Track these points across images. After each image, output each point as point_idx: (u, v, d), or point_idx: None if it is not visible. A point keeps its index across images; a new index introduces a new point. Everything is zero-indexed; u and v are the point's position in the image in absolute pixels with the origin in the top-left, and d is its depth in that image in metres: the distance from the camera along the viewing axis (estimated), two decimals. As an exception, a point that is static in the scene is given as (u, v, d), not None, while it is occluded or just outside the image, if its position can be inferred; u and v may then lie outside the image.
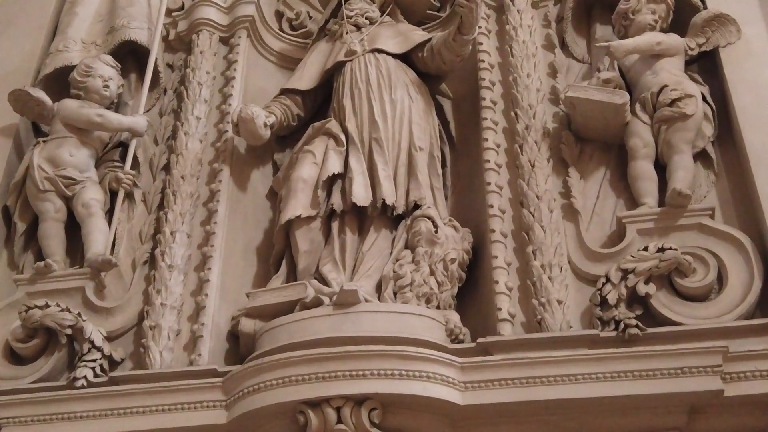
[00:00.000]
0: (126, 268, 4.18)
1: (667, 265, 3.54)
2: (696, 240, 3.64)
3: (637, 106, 3.98)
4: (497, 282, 3.70)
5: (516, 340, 3.53)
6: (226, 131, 4.41)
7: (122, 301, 4.07)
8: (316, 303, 3.68)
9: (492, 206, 3.91)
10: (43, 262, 4.12)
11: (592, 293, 3.59)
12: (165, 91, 4.77)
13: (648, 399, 3.29)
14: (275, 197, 4.30)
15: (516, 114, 4.14)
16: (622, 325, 3.47)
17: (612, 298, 3.52)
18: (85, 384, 3.72)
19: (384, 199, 3.96)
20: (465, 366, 3.43)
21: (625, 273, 3.54)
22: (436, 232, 3.85)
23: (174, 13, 4.98)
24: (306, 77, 4.57)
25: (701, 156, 3.90)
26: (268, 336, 3.66)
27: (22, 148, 4.58)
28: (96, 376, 3.77)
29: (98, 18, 4.97)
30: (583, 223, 3.84)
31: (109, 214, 4.29)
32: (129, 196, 4.35)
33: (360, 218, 4.05)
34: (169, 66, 4.87)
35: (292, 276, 3.99)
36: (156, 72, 4.68)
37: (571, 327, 3.55)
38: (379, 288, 3.80)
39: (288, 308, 3.74)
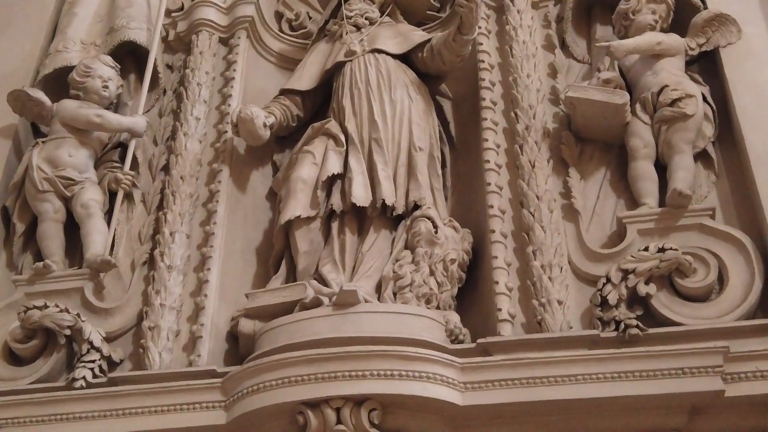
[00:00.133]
0: (125, 268, 4.17)
1: (667, 266, 3.53)
2: (696, 240, 3.64)
3: (638, 107, 3.97)
4: (497, 282, 3.69)
5: (516, 341, 3.52)
6: (226, 132, 4.41)
7: (121, 302, 4.06)
8: (316, 303, 3.67)
9: (492, 206, 3.90)
10: (42, 263, 4.11)
11: (593, 293, 3.59)
12: (164, 91, 4.77)
13: (648, 399, 3.28)
14: (275, 198, 4.30)
15: (516, 114, 4.14)
16: (622, 326, 3.46)
17: (612, 298, 3.51)
18: (84, 385, 3.72)
19: (384, 200, 3.95)
20: (465, 366, 3.42)
21: (626, 273, 3.54)
22: (436, 232, 3.84)
23: (173, 14, 4.97)
24: (305, 78, 4.56)
25: (702, 156, 3.89)
26: (267, 336, 3.65)
27: (21, 148, 4.57)
28: (95, 376, 3.76)
29: (97, 18, 4.96)
30: (583, 224, 3.84)
31: (109, 214, 4.28)
32: (128, 196, 4.34)
33: (360, 219, 4.04)
34: (169, 66, 4.87)
35: (292, 276, 3.98)
36: (155, 72, 4.67)
37: (571, 327, 3.54)
38: (378, 288, 3.79)
39: (287, 309, 3.73)
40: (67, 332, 3.85)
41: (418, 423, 3.40)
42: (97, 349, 3.82)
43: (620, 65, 4.13)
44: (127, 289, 4.11)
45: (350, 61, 4.43)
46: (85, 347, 3.82)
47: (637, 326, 3.44)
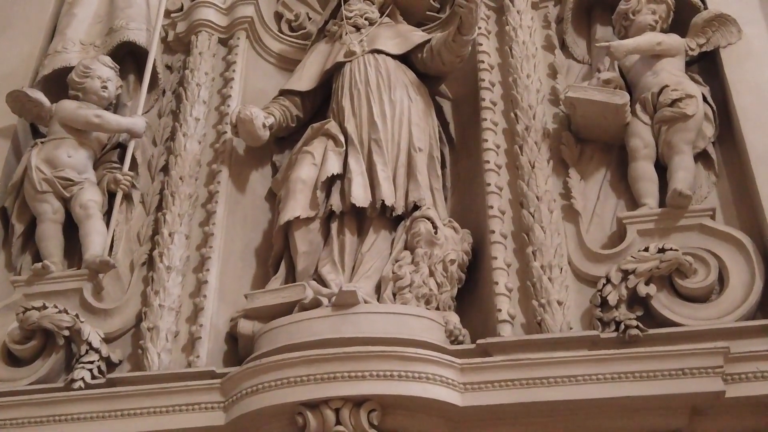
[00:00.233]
0: (124, 269, 4.16)
1: (667, 266, 3.52)
2: (697, 241, 3.63)
3: (638, 107, 3.97)
4: (497, 283, 3.69)
5: (516, 342, 3.52)
6: (225, 132, 4.40)
7: (120, 303, 4.05)
8: (315, 304, 3.66)
9: (492, 207, 3.89)
10: (40, 264, 4.11)
11: (593, 294, 3.58)
12: (164, 92, 4.76)
13: (649, 400, 3.27)
14: (274, 198, 4.29)
15: (516, 115, 4.13)
16: (622, 326, 3.45)
17: (612, 299, 3.51)
18: (82, 386, 3.71)
19: (383, 200, 3.94)
20: (464, 367, 3.41)
21: (626, 274, 3.53)
22: (436, 233, 3.84)
23: (173, 14, 4.97)
24: (305, 78, 4.55)
25: (702, 156, 3.89)
26: (266, 337, 3.64)
27: (20, 149, 4.57)
28: (94, 377, 3.76)
29: (97, 19, 4.96)
30: (583, 224, 3.83)
31: (108, 215, 4.27)
32: (127, 197, 4.33)
33: (359, 219, 4.04)
34: (168, 67, 4.86)
35: (291, 277, 3.97)
36: (155, 73, 4.67)
37: (571, 328, 3.53)
38: (378, 289, 3.79)
39: (287, 309, 3.72)
40: (66, 333, 3.85)
41: (418, 424, 3.39)
42: (96, 350, 3.82)
43: (620, 66, 4.13)
44: (126, 289, 4.11)
45: (350, 61, 4.42)
46: (83, 348, 3.81)
47: (637, 327, 3.43)
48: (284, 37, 5.00)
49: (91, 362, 3.79)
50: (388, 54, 4.42)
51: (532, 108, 4.11)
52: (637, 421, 3.32)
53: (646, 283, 3.52)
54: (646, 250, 3.55)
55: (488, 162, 4.03)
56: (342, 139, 4.17)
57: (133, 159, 4.43)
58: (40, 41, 4.92)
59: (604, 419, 3.34)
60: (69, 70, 4.61)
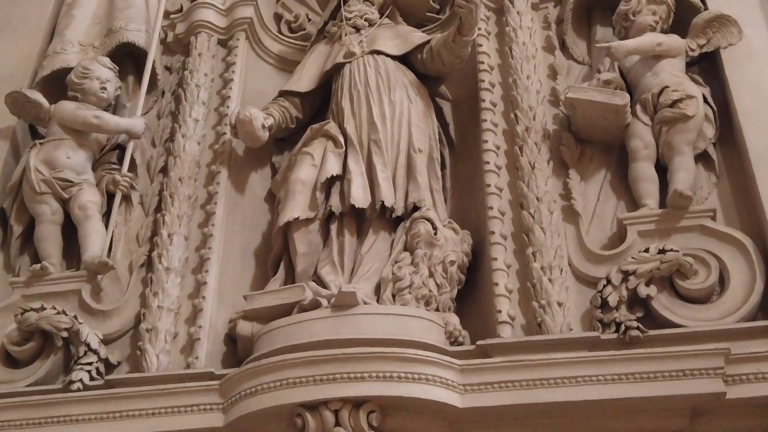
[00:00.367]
0: (123, 270, 4.16)
1: (668, 267, 3.51)
2: (697, 241, 3.62)
3: (638, 108, 3.96)
4: (497, 284, 3.68)
5: (516, 343, 3.51)
6: (224, 133, 4.39)
7: (119, 304, 4.04)
8: (315, 305, 3.65)
9: (492, 208, 3.89)
10: (39, 265, 4.10)
11: (593, 295, 3.57)
12: (163, 93, 4.76)
13: (649, 401, 3.26)
14: (273, 199, 4.29)
15: (516, 116, 4.12)
16: (622, 328, 3.44)
17: (613, 300, 3.50)
18: (81, 387, 3.70)
19: (383, 201, 3.93)
20: (464, 368, 3.40)
21: (626, 275, 3.52)
22: (436, 234, 3.83)
23: (172, 16, 4.97)
24: (305, 79, 4.55)
25: (702, 157, 3.88)
26: (265, 338, 3.63)
27: (19, 150, 4.57)
28: (92, 379, 3.75)
29: (96, 20, 4.96)
30: (583, 225, 3.83)
31: (106, 216, 4.27)
32: (126, 198, 4.33)
33: (359, 220, 4.03)
34: (167, 68, 4.86)
35: (291, 278, 3.96)
36: (154, 74, 4.68)
37: (571, 329, 3.52)
38: (377, 290, 3.78)
39: (286, 311, 3.72)
40: (65, 334, 3.84)
41: (417, 425, 3.38)
42: (95, 352, 3.81)
43: (620, 66, 4.12)
44: (124, 291, 4.10)
45: (349, 62, 4.42)
46: (82, 349, 3.80)
47: (637, 328, 3.42)
48: (284, 38, 5.00)
49: (90, 363, 3.78)
50: (387, 55, 4.42)
51: (532, 109, 4.10)
52: (637, 422, 3.31)
53: (647, 284, 3.51)
54: (647, 251, 3.54)
55: (488, 163, 4.02)
56: (341, 140, 4.16)
57: (132, 160, 4.43)
58: (39, 42, 4.92)
59: (604, 420, 3.33)
60: (68, 71, 4.61)
